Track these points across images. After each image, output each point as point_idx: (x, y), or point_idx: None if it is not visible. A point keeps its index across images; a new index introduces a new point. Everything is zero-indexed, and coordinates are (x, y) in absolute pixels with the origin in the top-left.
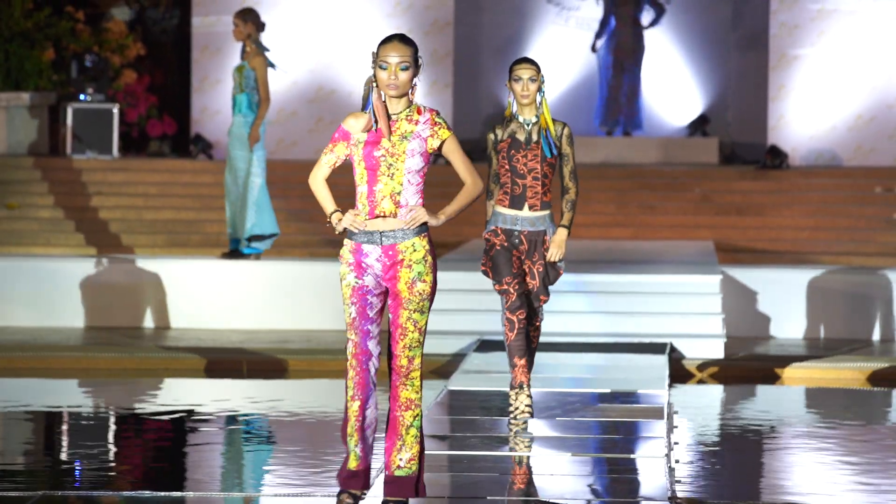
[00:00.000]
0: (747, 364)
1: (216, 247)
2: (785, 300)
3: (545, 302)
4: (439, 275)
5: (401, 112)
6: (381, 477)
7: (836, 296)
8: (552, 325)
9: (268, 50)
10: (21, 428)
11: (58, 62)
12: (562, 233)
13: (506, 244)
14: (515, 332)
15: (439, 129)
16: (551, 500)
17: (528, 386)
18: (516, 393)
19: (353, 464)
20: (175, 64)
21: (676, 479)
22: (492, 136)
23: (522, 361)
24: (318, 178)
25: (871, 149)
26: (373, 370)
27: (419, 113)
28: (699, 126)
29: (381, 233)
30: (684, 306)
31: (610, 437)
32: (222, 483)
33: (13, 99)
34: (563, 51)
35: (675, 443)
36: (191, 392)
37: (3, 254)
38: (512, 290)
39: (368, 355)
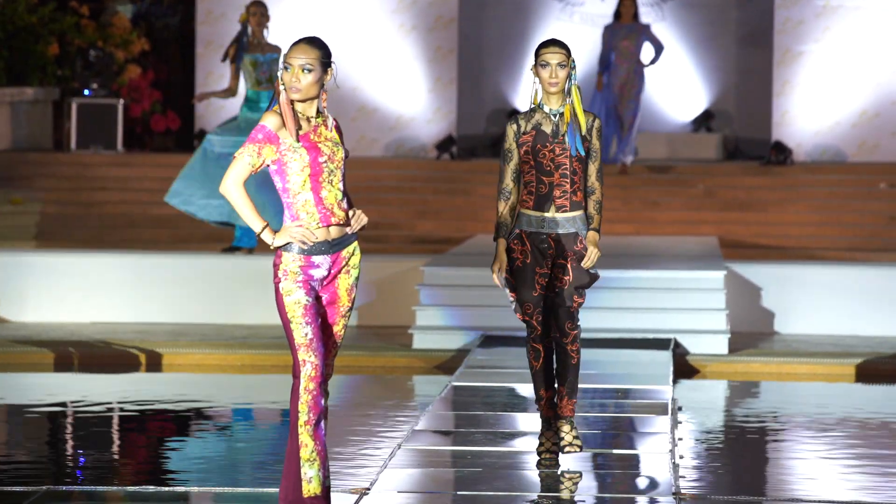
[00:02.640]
0: (751, 360)
1: (220, 242)
2: (789, 296)
3: (580, 305)
4: (445, 270)
5: (316, 118)
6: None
7: (841, 291)
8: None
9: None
10: (24, 423)
11: (62, 57)
12: (593, 236)
13: (528, 259)
14: (542, 361)
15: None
16: (555, 496)
17: (567, 420)
18: (544, 428)
19: (317, 489)
20: (179, 59)
21: (680, 474)
22: (513, 128)
23: (549, 393)
24: (238, 184)
25: (876, 145)
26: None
27: (325, 119)
28: (703, 122)
29: (330, 242)
30: (688, 302)
31: (614, 432)
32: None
33: (17, 94)
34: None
35: (680, 438)
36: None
37: (7, 249)
38: (534, 322)
39: (324, 377)
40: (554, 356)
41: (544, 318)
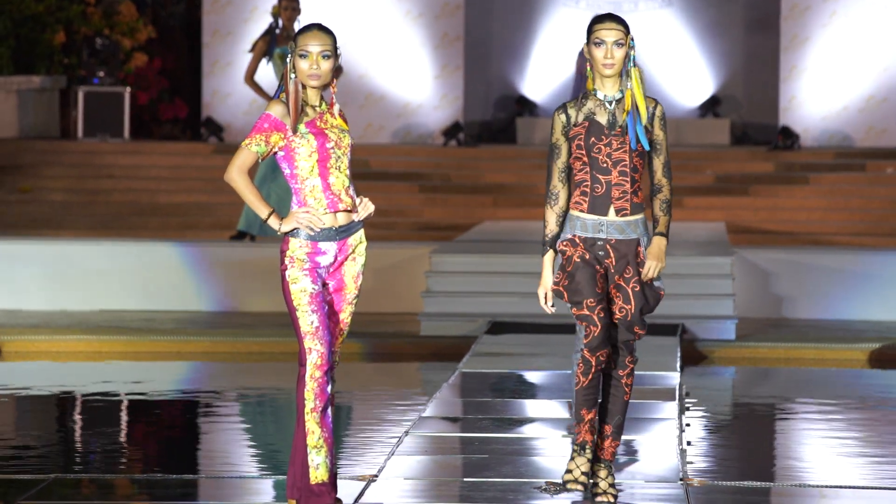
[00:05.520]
0: (759, 345)
1: (227, 230)
2: (797, 281)
3: (641, 336)
4: (452, 257)
5: (320, 105)
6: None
7: (849, 277)
8: (563, 306)
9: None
10: (32, 411)
11: (69, 45)
12: (660, 242)
13: (587, 257)
14: (591, 376)
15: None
16: (563, 482)
17: (605, 464)
18: (576, 454)
19: (324, 475)
20: (186, 47)
21: (688, 460)
22: (561, 119)
23: (591, 415)
24: (243, 172)
25: (883, 129)
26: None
27: (331, 106)
28: (711, 107)
29: (337, 228)
30: (696, 288)
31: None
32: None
33: (24, 82)
34: (575, 32)
35: (687, 424)
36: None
37: (16, 236)
38: (596, 319)
39: (331, 364)
40: (604, 386)
41: (607, 318)
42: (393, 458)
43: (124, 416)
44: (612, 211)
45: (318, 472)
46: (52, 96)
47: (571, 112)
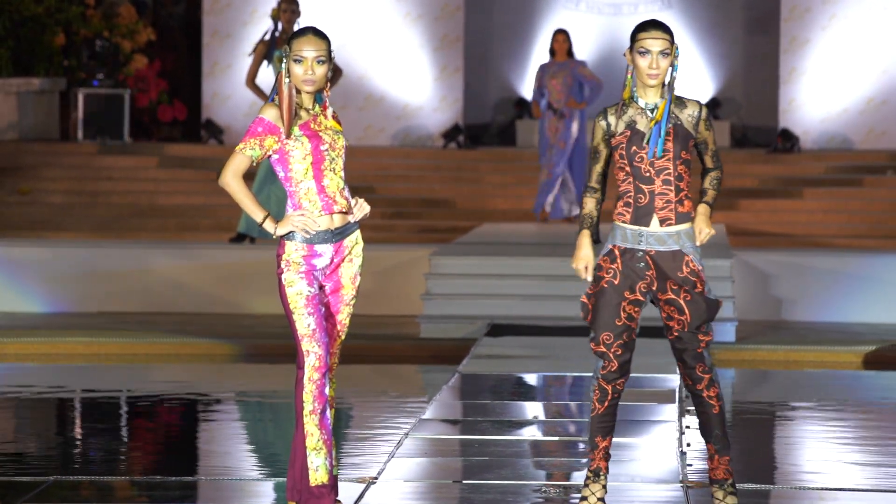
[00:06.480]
0: (758, 348)
1: (226, 232)
2: (796, 284)
3: (707, 343)
4: (452, 259)
5: (314, 107)
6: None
7: (848, 279)
8: (563, 309)
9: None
10: (31, 413)
11: (68, 47)
12: (705, 209)
13: (616, 280)
14: (606, 404)
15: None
16: (563, 484)
17: (721, 484)
18: (590, 480)
19: (324, 477)
20: (185, 49)
21: (688, 462)
22: (602, 125)
23: (606, 442)
24: (237, 176)
25: (883, 132)
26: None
27: (325, 108)
28: (710, 109)
29: (332, 230)
30: None
31: (621, 420)
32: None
33: (24, 84)
34: (575, 34)
35: (687, 426)
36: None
37: (15, 238)
38: (611, 356)
39: (328, 366)
40: (694, 405)
41: (624, 354)
42: (392, 460)
43: (123, 418)
44: (654, 221)
45: (317, 474)
46: (51, 98)
47: (612, 119)
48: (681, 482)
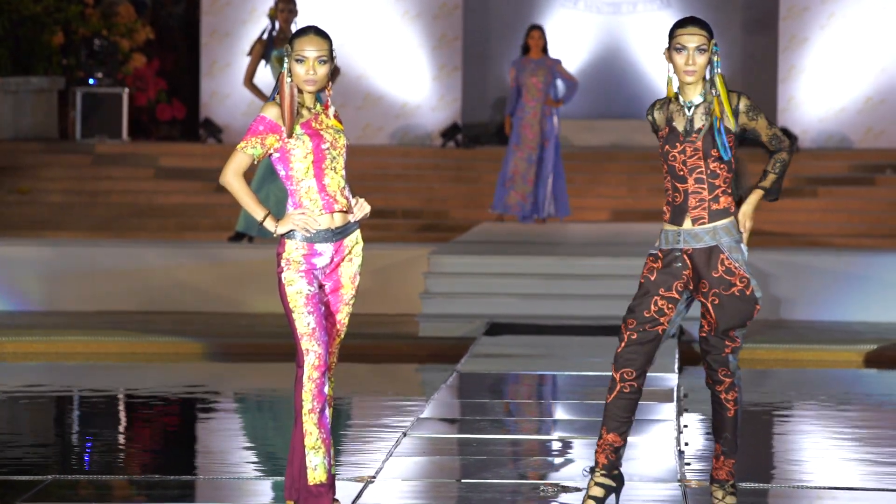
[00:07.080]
0: (758, 347)
1: (225, 231)
2: (796, 283)
3: (733, 349)
4: (451, 258)
5: (315, 106)
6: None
7: (847, 278)
8: (562, 308)
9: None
10: (30, 412)
11: (67, 46)
12: (754, 197)
13: (653, 276)
14: (615, 394)
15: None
16: (562, 483)
17: (721, 484)
18: (588, 476)
19: (322, 476)
20: (184, 48)
21: (686, 462)
22: (650, 119)
23: (611, 436)
24: (238, 175)
25: (882, 131)
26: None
27: (327, 107)
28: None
29: (333, 229)
30: None
31: None
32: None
33: (23, 83)
34: (573, 33)
35: (685, 426)
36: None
37: (14, 237)
38: (625, 335)
39: (328, 365)
40: (712, 404)
41: (642, 347)
42: (391, 459)
43: (122, 417)
44: (688, 220)
45: (316, 472)
46: (50, 97)
47: (657, 115)
48: (679, 481)
